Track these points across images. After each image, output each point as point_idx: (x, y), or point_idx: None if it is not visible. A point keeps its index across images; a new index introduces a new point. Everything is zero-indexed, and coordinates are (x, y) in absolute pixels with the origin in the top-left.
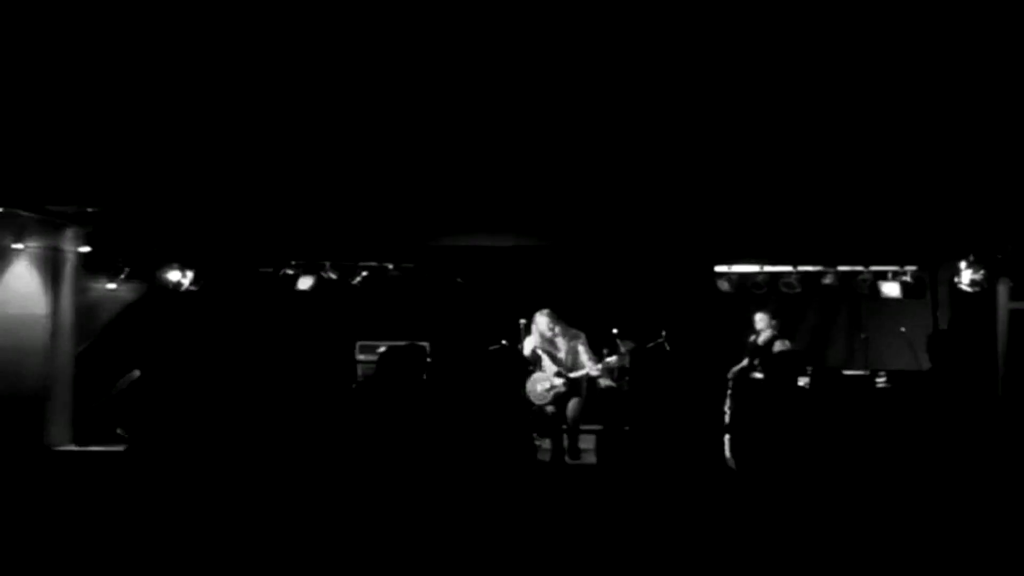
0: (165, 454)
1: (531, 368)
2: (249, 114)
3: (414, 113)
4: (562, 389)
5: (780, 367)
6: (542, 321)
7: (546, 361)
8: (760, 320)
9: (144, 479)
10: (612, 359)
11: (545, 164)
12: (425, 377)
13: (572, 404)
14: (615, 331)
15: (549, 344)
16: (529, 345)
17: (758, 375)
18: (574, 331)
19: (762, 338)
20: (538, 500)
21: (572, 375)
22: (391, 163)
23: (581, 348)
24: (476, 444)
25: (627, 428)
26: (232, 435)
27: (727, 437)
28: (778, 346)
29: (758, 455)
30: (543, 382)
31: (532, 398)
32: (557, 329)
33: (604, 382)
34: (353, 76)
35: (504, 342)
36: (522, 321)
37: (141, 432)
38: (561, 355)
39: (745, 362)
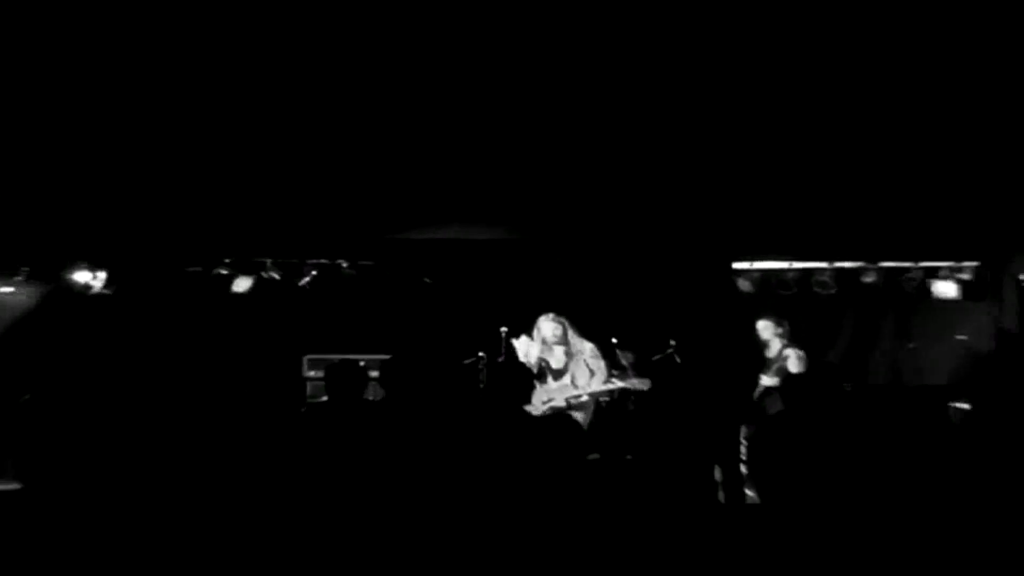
0: (65, 494)
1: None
2: (172, 84)
3: (370, 81)
4: (561, 404)
5: (801, 391)
6: (548, 327)
7: (553, 373)
8: (764, 329)
9: (39, 524)
10: (641, 382)
11: (530, 141)
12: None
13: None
14: (614, 341)
15: (552, 353)
16: (533, 353)
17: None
18: (583, 342)
19: (772, 351)
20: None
21: (574, 396)
22: (345, 140)
23: (591, 361)
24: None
25: (629, 457)
26: (149, 472)
27: (745, 471)
28: (792, 360)
29: (781, 496)
30: (545, 397)
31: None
32: (570, 339)
33: (639, 384)
34: (298, 42)
35: (482, 354)
36: (503, 329)
37: (35, 467)
38: (566, 369)
39: (764, 381)
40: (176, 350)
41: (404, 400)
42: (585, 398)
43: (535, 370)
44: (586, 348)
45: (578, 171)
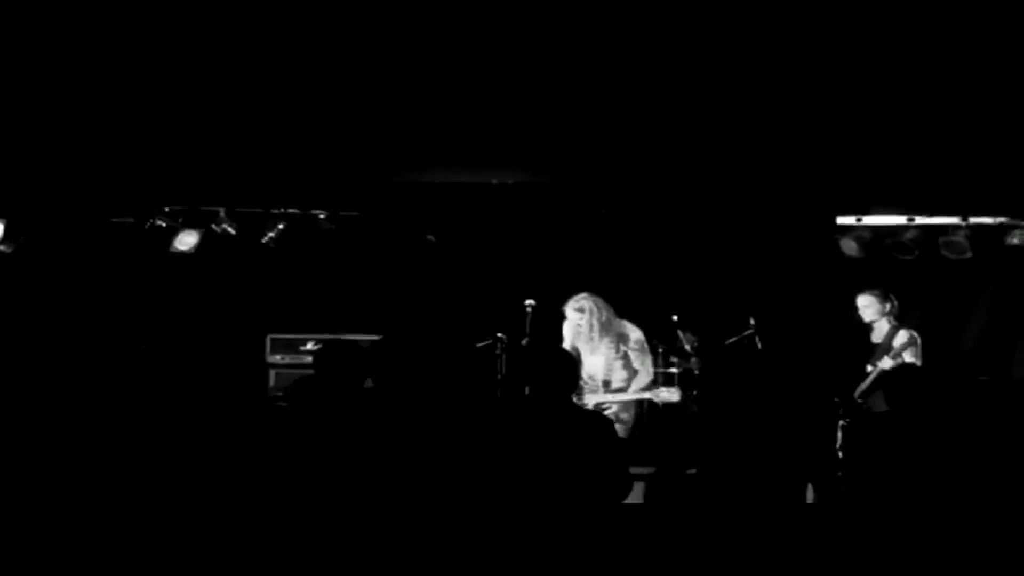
0: None
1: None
2: None
3: None
4: (610, 407)
5: (916, 387)
6: (571, 318)
7: (585, 364)
8: (867, 307)
9: None
10: (668, 393)
11: (568, 51)
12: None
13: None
14: (675, 319)
15: (588, 342)
16: (568, 338)
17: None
18: (628, 327)
19: (877, 334)
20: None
21: (610, 398)
22: (324, 50)
23: (633, 355)
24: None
25: (692, 471)
26: (67, 471)
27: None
28: (905, 345)
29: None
30: (591, 394)
31: None
32: (598, 324)
33: (665, 395)
34: None
35: (500, 335)
36: (529, 303)
37: None
38: (602, 361)
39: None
40: (99, 324)
41: (398, 396)
42: (615, 407)
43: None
44: (631, 337)
45: (629, 92)
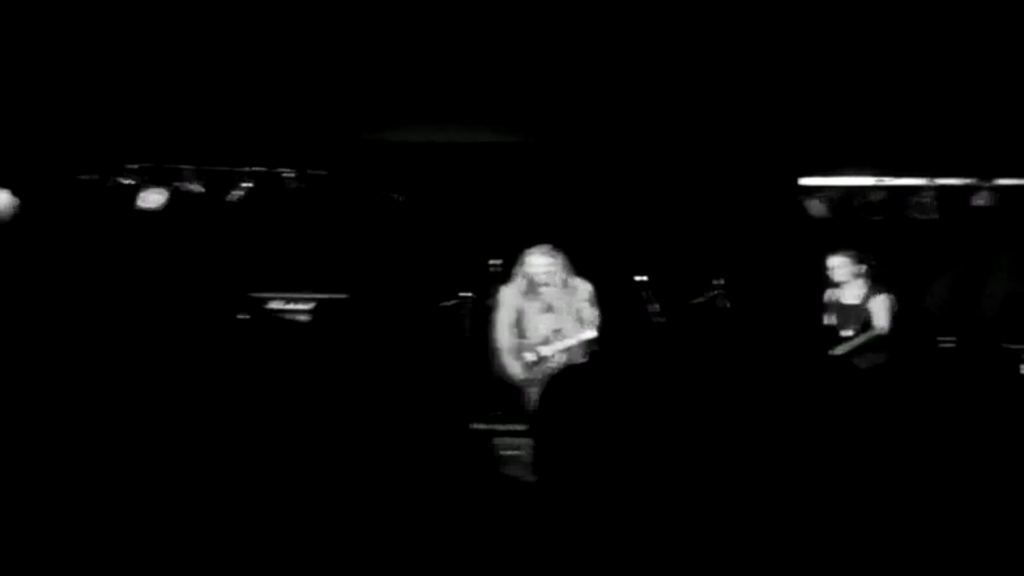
0: None
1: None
2: None
3: None
4: (553, 363)
5: (889, 351)
6: (540, 263)
7: (532, 321)
8: (839, 268)
9: None
10: (581, 336)
11: (533, 17)
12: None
13: None
14: (642, 279)
15: (538, 297)
16: (508, 299)
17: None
18: (578, 282)
19: (848, 296)
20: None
21: (561, 345)
22: (290, 12)
23: (585, 308)
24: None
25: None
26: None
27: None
28: (879, 309)
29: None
30: (527, 352)
31: (508, 376)
32: (558, 278)
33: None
34: None
35: (467, 294)
36: (494, 262)
37: None
38: (554, 316)
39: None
40: (62, 285)
41: (362, 354)
42: (563, 357)
43: (509, 321)
44: (581, 290)
45: (596, 52)
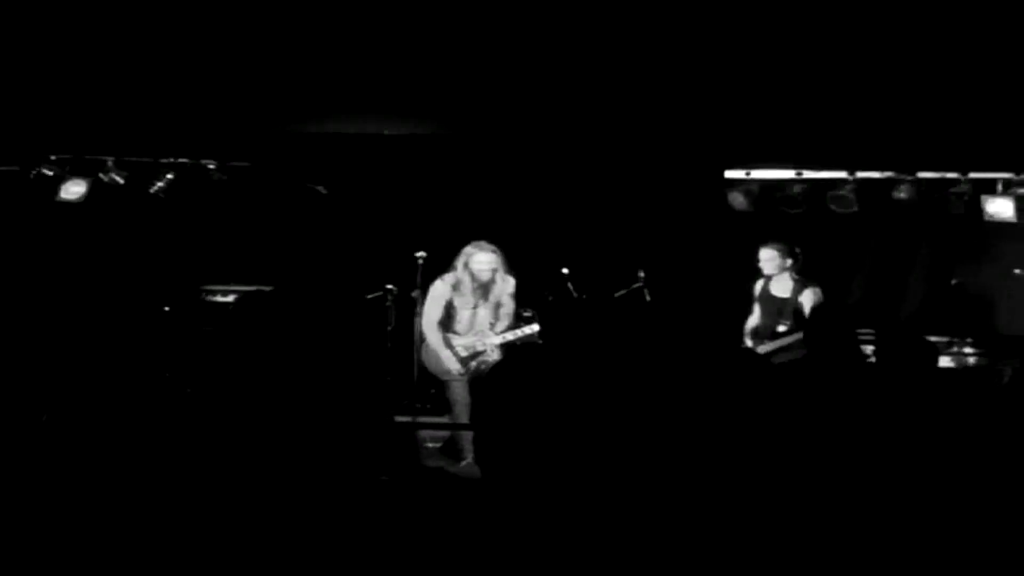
0: None
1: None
2: None
3: None
4: (488, 358)
5: (824, 331)
6: (484, 260)
7: (460, 315)
8: (768, 259)
9: None
10: (527, 330)
11: (457, 8)
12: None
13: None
14: (565, 271)
15: (468, 291)
16: (441, 293)
17: (770, 348)
18: (506, 276)
19: (777, 288)
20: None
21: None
22: (215, 2)
23: (509, 303)
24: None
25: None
26: None
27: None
28: (808, 300)
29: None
30: (460, 347)
31: (436, 370)
32: (498, 274)
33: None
34: None
35: (390, 287)
36: (420, 255)
37: None
38: (483, 310)
39: (755, 322)
40: None
41: (285, 348)
42: (496, 354)
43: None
44: (508, 284)
45: (520, 44)
